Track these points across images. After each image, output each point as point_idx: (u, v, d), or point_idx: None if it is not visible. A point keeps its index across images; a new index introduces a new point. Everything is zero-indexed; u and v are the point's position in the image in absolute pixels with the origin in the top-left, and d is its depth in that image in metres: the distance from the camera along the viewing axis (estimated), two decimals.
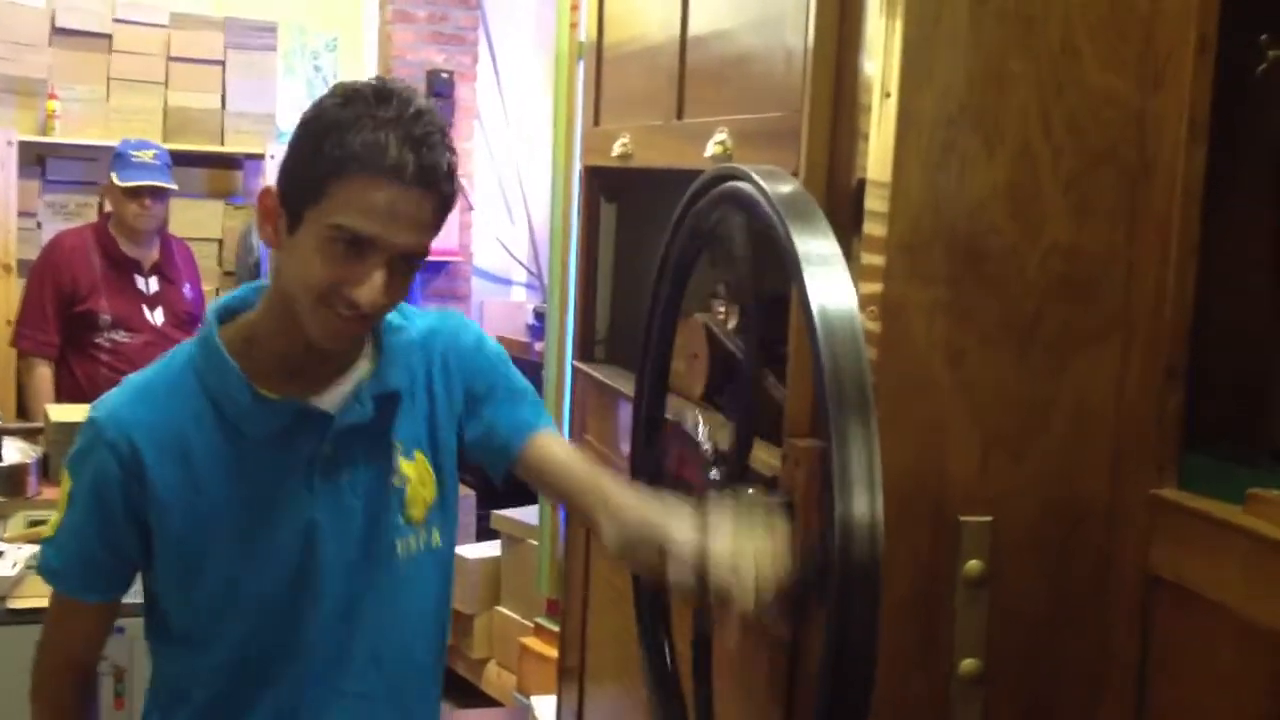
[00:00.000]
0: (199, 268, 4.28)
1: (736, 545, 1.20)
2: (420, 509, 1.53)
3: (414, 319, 1.57)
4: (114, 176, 3.88)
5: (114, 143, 4.10)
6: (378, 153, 1.30)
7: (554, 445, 1.58)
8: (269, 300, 1.46)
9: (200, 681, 1.50)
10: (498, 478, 1.62)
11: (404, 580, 1.52)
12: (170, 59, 4.72)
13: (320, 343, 1.40)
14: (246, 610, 1.47)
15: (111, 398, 1.47)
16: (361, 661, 1.51)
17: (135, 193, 3.86)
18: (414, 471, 1.52)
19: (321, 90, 1.58)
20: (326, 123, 1.34)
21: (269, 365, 1.45)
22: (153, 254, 3.99)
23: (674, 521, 1.27)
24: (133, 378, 1.50)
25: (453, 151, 1.38)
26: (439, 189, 1.35)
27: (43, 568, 1.51)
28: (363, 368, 1.50)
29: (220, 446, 1.44)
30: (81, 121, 4.60)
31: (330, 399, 1.47)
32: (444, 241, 5.23)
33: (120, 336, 3.88)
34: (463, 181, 5.25)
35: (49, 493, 2.92)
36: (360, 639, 1.50)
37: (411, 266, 1.38)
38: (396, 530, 1.51)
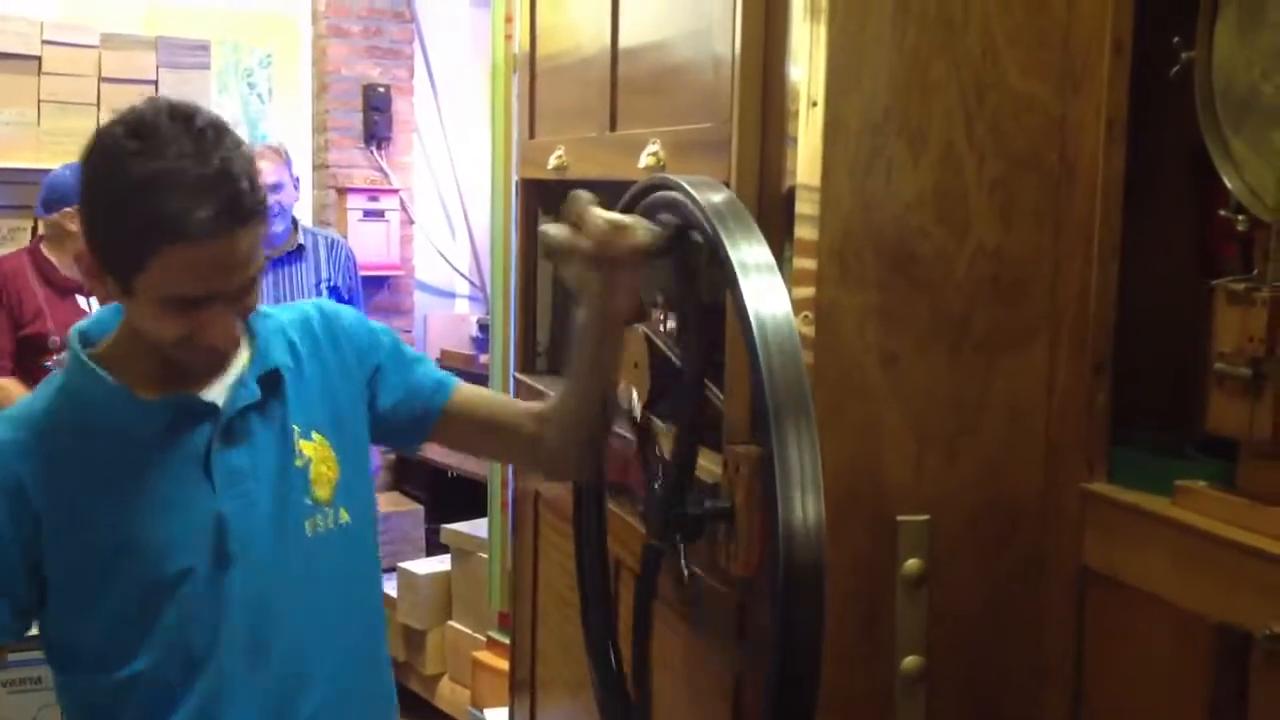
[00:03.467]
0: None
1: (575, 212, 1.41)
2: (327, 489, 1.51)
3: (280, 309, 1.58)
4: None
5: (46, 166, 4.04)
6: (185, 217, 1.27)
7: (475, 390, 1.65)
8: (126, 326, 1.44)
9: (121, 697, 1.44)
10: (414, 444, 1.65)
11: (317, 559, 1.49)
12: (102, 79, 4.66)
13: (200, 371, 1.42)
14: (164, 615, 1.43)
15: None
16: (285, 644, 1.48)
17: None
18: (314, 451, 1.51)
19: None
20: (119, 184, 1.30)
21: (142, 375, 1.43)
22: None
23: None
24: (7, 410, 1.47)
25: (245, 156, 1.34)
26: (252, 214, 1.33)
27: None
28: (242, 357, 1.49)
29: (106, 460, 1.41)
30: (12, 145, 4.53)
31: (215, 392, 1.46)
32: (385, 256, 5.21)
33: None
34: (402, 195, 5.24)
35: None
36: (280, 622, 1.47)
37: (254, 287, 1.39)
38: (304, 511, 1.49)
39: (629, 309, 1.50)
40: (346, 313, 1.64)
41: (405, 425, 1.63)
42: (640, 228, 1.42)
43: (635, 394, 1.65)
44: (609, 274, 1.43)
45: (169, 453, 1.43)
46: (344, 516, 1.53)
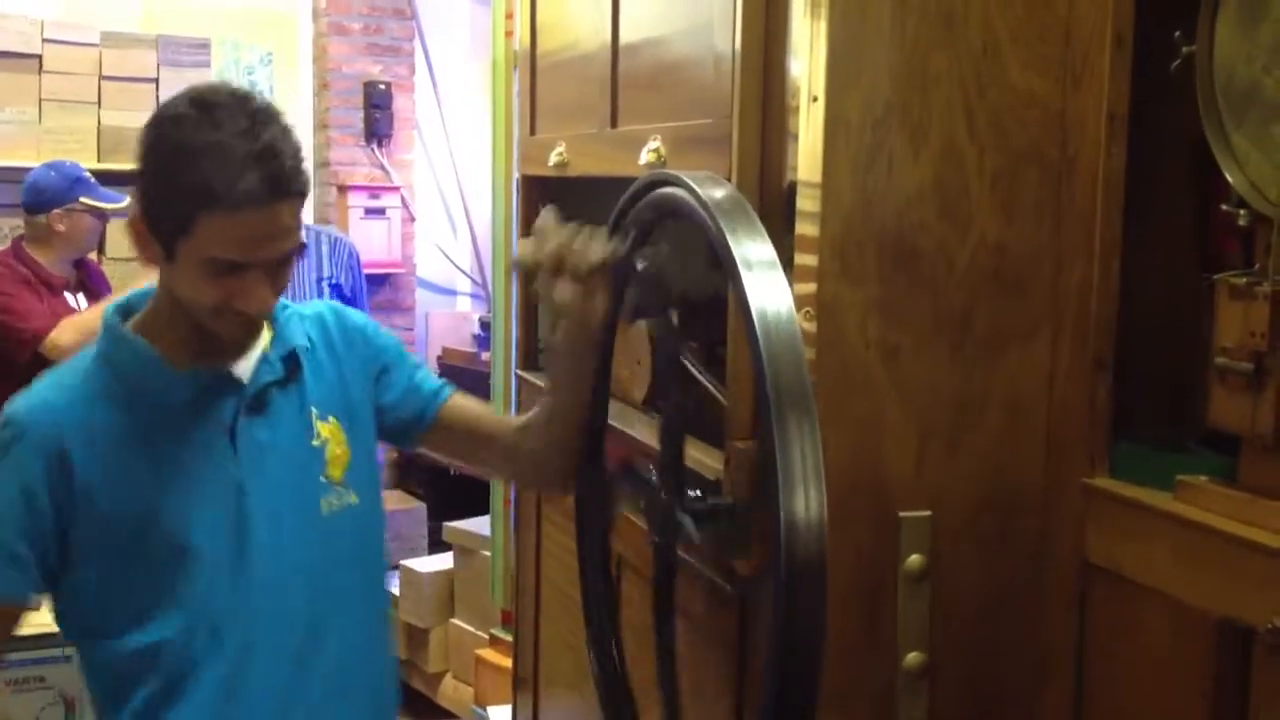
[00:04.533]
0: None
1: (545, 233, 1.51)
2: (339, 469, 1.59)
3: (296, 304, 1.67)
4: (89, 200, 3.91)
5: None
6: (231, 185, 1.36)
7: (468, 400, 1.74)
8: (161, 298, 1.52)
9: (146, 665, 1.49)
10: (408, 445, 1.75)
11: (331, 536, 1.57)
12: (103, 78, 4.67)
13: (230, 341, 1.50)
14: (187, 582, 1.48)
15: (26, 396, 1.50)
16: (301, 616, 1.54)
17: (100, 212, 3.93)
18: (329, 433, 1.59)
19: None
20: (169, 154, 1.39)
21: (174, 349, 1.51)
22: (75, 272, 4.02)
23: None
24: (41, 378, 1.54)
25: (293, 139, 1.44)
26: (294, 192, 1.42)
27: None
28: (264, 338, 1.57)
29: (140, 426, 1.48)
30: (13, 144, 4.54)
31: (240, 368, 1.54)
32: (386, 253, 5.21)
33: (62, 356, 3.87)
34: (404, 192, 5.24)
35: None
36: (296, 595, 1.54)
37: (289, 262, 1.47)
38: (319, 488, 1.57)
39: (598, 320, 1.54)
40: (355, 312, 1.74)
41: (402, 423, 1.69)
42: (597, 241, 1.49)
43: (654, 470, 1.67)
44: (576, 287, 1.49)
45: (197, 422, 1.51)
46: (353, 498, 1.60)
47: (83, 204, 3.92)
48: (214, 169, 1.36)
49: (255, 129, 1.38)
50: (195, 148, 1.37)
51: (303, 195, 1.44)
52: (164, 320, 1.52)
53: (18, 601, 1.49)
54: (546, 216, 1.52)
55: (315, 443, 1.57)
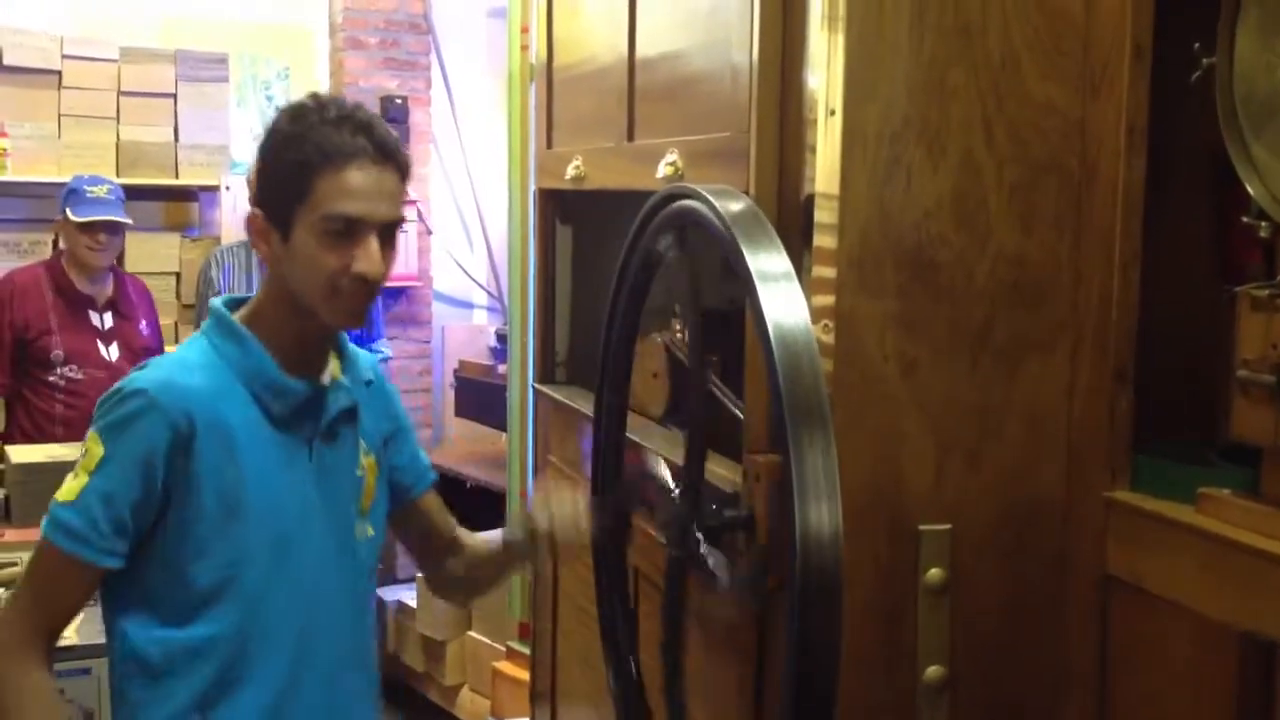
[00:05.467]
0: (155, 303, 4.25)
1: (551, 505, 1.70)
2: (369, 501, 1.68)
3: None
4: (68, 212, 3.85)
5: (66, 179, 4.06)
6: (340, 144, 1.49)
7: (436, 497, 1.85)
8: (268, 298, 1.58)
9: (199, 659, 1.52)
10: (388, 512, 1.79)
11: (356, 561, 1.65)
12: (121, 93, 4.69)
13: (338, 323, 1.57)
14: (251, 582, 1.53)
15: (154, 371, 1.55)
16: (331, 630, 1.61)
17: (89, 228, 3.83)
18: (369, 466, 1.67)
19: None
20: (283, 138, 1.52)
21: (280, 352, 1.57)
22: (107, 290, 3.97)
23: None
24: (162, 358, 1.62)
25: (395, 134, 1.57)
26: (398, 160, 1.54)
27: (57, 529, 1.49)
28: (333, 364, 1.64)
29: (251, 421, 1.54)
30: (33, 159, 4.56)
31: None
32: (403, 266, 5.21)
33: (74, 373, 3.85)
34: (420, 206, 5.26)
35: (10, 535, 2.89)
36: (342, 612, 1.62)
37: (394, 235, 1.55)
38: (355, 517, 1.65)
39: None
40: (383, 375, 1.82)
41: (395, 487, 1.76)
42: (584, 518, 1.68)
43: (666, 468, 1.70)
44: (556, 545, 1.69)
45: (290, 431, 1.57)
46: (371, 531, 1.69)
47: (67, 217, 3.88)
48: (327, 136, 1.49)
49: (359, 113, 1.53)
50: (307, 127, 1.50)
51: (405, 171, 1.55)
52: (270, 320, 1.57)
53: (111, 567, 1.51)
54: (545, 485, 1.68)
55: (359, 473, 1.65)
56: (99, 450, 1.50)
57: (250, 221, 1.56)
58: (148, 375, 1.53)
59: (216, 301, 1.62)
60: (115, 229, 3.90)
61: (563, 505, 1.70)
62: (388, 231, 1.53)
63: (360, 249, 1.50)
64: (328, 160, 1.48)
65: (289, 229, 1.51)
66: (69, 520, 1.49)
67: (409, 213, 5.24)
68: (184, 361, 1.57)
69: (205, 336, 1.59)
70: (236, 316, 1.59)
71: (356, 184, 1.49)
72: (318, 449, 1.59)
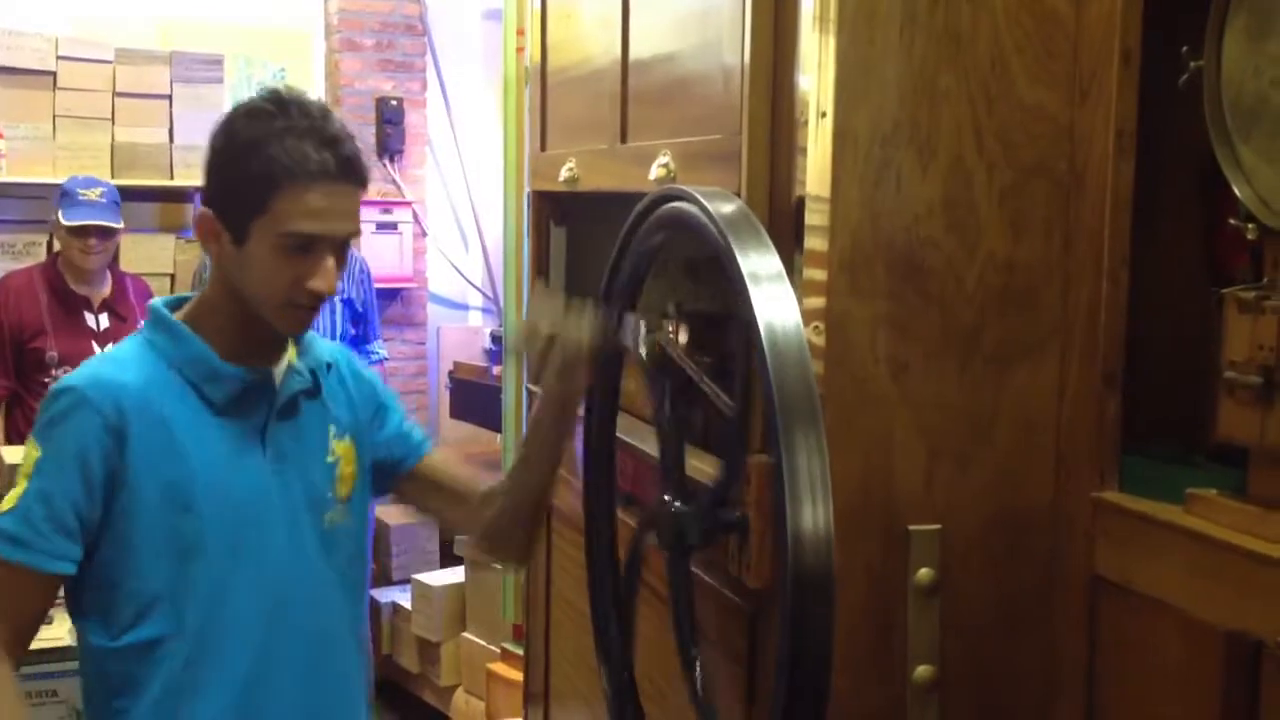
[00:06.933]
0: None
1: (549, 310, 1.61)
2: (346, 487, 1.66)
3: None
4: (60, 215, 3.85)
5: (61, 180, 4.05)
6: (303, 161, 1.47)
7: (445, 456, 1.81)
8: (215, 294, 1.57)
9: (160, 657, 1.51)
10: (387, 488, 1.78)
11: (329, 548, 1.62)
12: (116, 94, 4.69)
13: (287, 332, 1.57)
14: (203, 576, 1.51)
15: (84, 369, 1.55)
16: (304, 623, 1.59)
17: (80, 232, 3.83)
18: (343, 452, 1.66)
19: None
20: (243, 143, 1.49)
21: (222, 343, 1.56)
22: (103, 291, 3.96)
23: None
24: (94, 357, 1.62)
25: (358, 142, 1.55)
26: (360, 177, 1.53)
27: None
28: (290, 351, 1.63)
29: (189, 412, 1.53)
30: (28, 160, 4.56)
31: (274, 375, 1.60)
32: (398, 268, 5.22)
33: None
34: (415, 208, 5.26)
35: None
36: (302, 602, 1.59)
37: (346, 248, 1.56)
38: (326, 503, 1.62)
39: (576, 403, 1.65)
40: (356, 359, 1.81)
41: (386, 463, 1.75)
42: (586, 319, 1.57)
43: (642, 324, 1.65)
44: (560, 370, 1.58)
45: (234, 419, 1.56)
46: (350, 517, 1.67)
47: (59, 219, 3.87)
48: (291, 148, 1.46)
49: (328, 124, 1.50)
50: (272, 134, 1.47)
51: (365, 185, 1.55)
52: (214, 314, 1.57)
53: (63, 572, 1.50)
54: (538, 294, 1.60)
55: (329, 459, 1.63)
56: (35, 453, 1.50)
57: (200, 221, 1.54)
58: (77, 373, 1.55)
59: (156, 301, 1.62)
60: (107, 233, 3.89)
61: (560, 309, 1.61)
62: (343, 247, 1.54)
63: (317, 265, 1.49)
64: (291, 178, 1.46)
65: (244, 237, 1.50)
66: (8, 527, 1.47)
67: (405, 214, 5.25)
68: (114, 358, 1.58)
69: (140, 334, 1.60)
70: (179, 314, 1.59)
71: (318, 204, 1.48)
72: (273, 437, 1.58)
